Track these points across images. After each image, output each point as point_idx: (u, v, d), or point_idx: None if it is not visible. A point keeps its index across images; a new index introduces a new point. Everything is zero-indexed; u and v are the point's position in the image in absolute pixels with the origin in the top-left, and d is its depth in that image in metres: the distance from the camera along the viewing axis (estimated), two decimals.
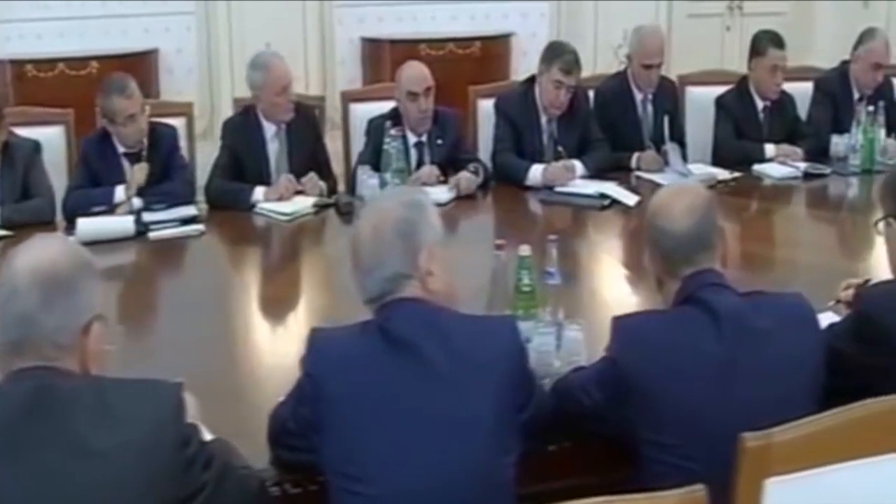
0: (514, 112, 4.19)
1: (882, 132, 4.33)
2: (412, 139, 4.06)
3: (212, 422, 1.84)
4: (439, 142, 4.08)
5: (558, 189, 3.90)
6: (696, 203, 1.94)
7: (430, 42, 7.10)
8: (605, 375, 1.90)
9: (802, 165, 4.28)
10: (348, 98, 4.46)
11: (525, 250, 2.29)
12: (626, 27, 7.91)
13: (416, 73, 4.05)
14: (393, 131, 3.70)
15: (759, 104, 4.55)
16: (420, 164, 4.06)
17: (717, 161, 4.49)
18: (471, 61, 7.12)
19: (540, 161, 4.11)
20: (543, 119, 4.21)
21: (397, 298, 1.76)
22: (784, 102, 4.58)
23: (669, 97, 4.62)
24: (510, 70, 7.33)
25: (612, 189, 3.84)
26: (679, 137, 4.59)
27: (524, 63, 7.72)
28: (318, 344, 1.74)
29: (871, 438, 1.67)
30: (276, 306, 2.91)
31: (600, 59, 7.90)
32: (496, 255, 2.33)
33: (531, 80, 4.23)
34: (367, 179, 3.66)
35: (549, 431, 1.96)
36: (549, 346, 2.22)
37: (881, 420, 1.68)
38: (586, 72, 7.16)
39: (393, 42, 7.14)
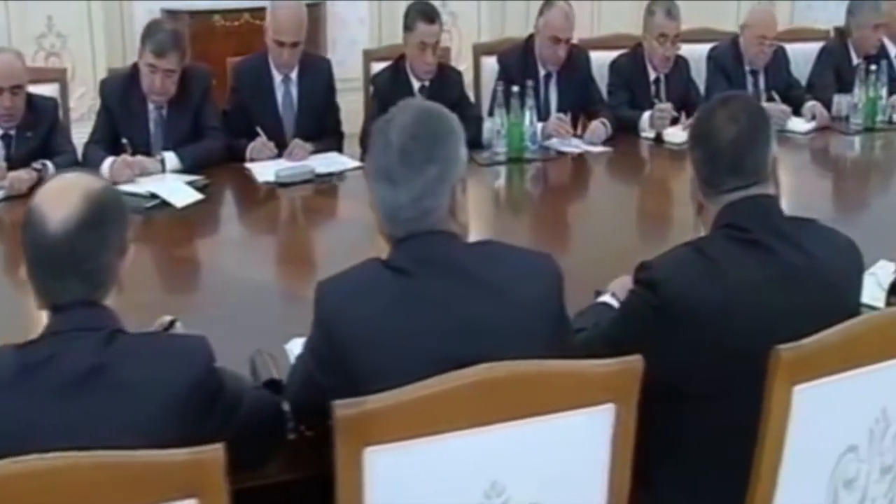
0: (115, 100, 3.82)
1: (531, 115, 3.90)
2: None
3: None
4: (29, 134, 3.75)
5: (119, 188, 3.53)
6: None
7: (226, 13, 6.74)
8: None
9: None
10: None
11: None
12: None
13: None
14: None
15: (416, 84, 4.13)
16: (7, 159, 3.72)
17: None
18: None
19: (147, 153, 3.77)
20: (150, 107, 3.84)
21: None
22: (445, 82, 4.15)
23: (321, 79, 4.13)
24: (324, 40, 6.91)
25: (172, 187, 3.48)
26: (334, 126, 4.21)
27: (344, 33, 7.31)
28: None
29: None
30: None
31: None
32: None
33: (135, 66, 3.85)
34: None
35: None
36: None
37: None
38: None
39: (191, 14, 6.81)
